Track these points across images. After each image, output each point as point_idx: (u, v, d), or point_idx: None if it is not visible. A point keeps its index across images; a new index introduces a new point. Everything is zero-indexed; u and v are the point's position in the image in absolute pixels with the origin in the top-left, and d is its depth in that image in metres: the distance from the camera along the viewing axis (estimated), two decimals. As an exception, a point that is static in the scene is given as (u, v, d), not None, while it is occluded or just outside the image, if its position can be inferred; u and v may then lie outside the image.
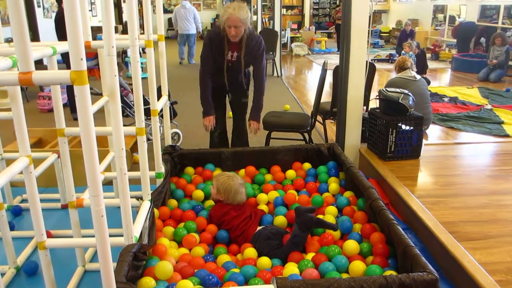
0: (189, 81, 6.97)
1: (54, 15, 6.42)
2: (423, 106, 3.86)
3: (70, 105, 5.00)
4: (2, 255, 2.22)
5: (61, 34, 4.72)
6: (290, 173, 2.89)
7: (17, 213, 2.81)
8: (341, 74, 3.27)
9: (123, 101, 3.94)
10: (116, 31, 8.96)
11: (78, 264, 2.22)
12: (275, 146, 3.06)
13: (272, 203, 2.57)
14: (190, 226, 2.27)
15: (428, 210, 2.39)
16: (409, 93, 3.17)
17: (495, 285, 1.76)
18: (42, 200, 2.08)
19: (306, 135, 3.59)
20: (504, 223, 2.27)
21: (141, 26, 8.43)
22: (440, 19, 11.66)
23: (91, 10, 11.06)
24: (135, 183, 2.11)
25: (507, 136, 4.24)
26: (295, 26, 13.78)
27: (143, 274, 1.80)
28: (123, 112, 3.92)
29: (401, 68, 4.24)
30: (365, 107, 3.71)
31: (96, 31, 7.27)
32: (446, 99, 5.93)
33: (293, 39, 12.22)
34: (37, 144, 3.63)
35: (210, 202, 2.59)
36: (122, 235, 1.73)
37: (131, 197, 1.72)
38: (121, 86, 4.11)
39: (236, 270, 1.89)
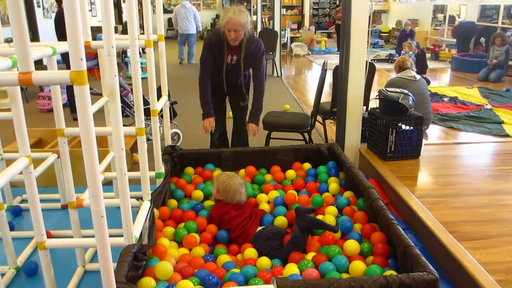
0: (189, 81, 6.96)
1: (54, 15, 6.42)
2: (423, 106, 3.86)
3: (70, 105, 5.00)
4: (2, 255, 2.22)
5: (61, 34, 4.72)
6: (290, 173, 2.89)
7: (17, 213, 2.81)
8: (341, 74, 3.27)
9: (123, 101, 3.94)
10: (116, 31, 8.97)
11: (78, 264, 2.22)
12: (275, 146, 3.06)
13: (272, 203, 2.57)
14: (190, 226, 2.27)
15: (428, 210, 2.39)
16: (409, 93, 3.17)
17: (495, 284, 1.76)
18: (42, 200, 2.08)
19: (306, 135, 3.59)
20: (504, 223, 2.27)
21: (141, 26, 8.42)
22: (440, 19, 11.66)
23: (91, 10, 11.05)
24: (135, 183, 2.11)
25: (507, 136, 4.24)
26: (295, 26, 13.76)
27: (143, 274, 1.80)
28: (123, 112, 3.92)
29: (401, 68, 4.24)
30: (365, 107, 3.71)
31: (96, 31, 7.27)
32: (446, 99, 5.93)
33: (293, 39, 12.21)
34: (37, 144, 3.62)
35: (210, 202, 2.59)
36: (122, 235, 1.73)
37: (131, 197, 1.72)
38: (121, 86, 4.11)
39: (236, 270, 1.89)
